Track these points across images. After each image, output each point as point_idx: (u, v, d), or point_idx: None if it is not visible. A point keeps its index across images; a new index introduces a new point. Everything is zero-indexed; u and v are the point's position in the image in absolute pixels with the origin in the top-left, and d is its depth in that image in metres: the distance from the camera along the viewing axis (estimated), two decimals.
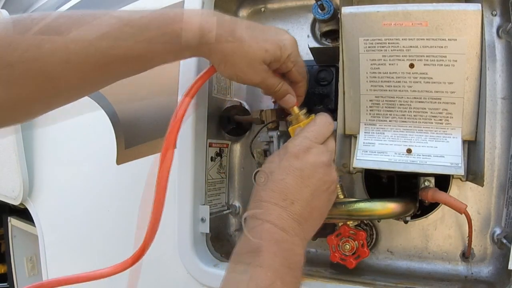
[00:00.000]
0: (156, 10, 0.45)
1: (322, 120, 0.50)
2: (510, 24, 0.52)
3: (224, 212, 0.68)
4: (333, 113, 0.54)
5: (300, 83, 0.53)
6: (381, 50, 0.48)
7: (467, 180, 0.52)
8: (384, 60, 0.49)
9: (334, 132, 0.52)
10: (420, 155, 0.50)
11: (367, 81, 0.51)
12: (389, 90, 0.50)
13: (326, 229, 0.57)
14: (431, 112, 0.50)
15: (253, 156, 0.61)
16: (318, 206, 0.46)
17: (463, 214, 0.51)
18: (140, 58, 0.45)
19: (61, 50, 0.39)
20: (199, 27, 0.45)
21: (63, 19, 0.40)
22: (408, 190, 0.56)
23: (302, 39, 0.66)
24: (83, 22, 0.41)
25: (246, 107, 0.68)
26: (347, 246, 0.55)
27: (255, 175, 0.60)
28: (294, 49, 0.50)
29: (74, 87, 0.44)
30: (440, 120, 0.50)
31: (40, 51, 0.39)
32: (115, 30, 0.42)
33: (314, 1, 0.54)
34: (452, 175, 0.54)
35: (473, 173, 0.50)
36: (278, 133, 0.58)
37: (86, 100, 0.68)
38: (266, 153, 0.60)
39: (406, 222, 0.57)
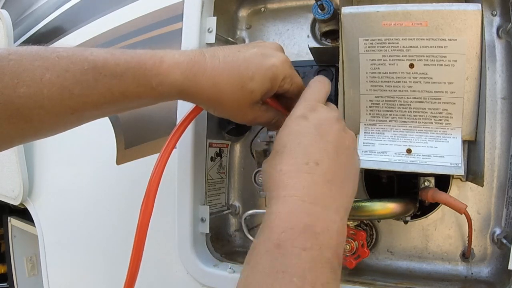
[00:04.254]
0: (135, 55, 0.43)
1: (317, 83, 0.47)
2: (510, 24, 0.52)
3: (224, 212, 0.68)
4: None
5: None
6: (381, 50, 0.48)
7: (467, 180, 0.52)
8: (384, 60, 0.49)
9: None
10: (420, 155, 0.50)
11: (367, 81, 0.51)
12: (389, 90, 0.50)
13: None
14: (431, 112, 0.50)
15: (253, 156, 0.61)
16: (345, 165, 0.41)
17: (463, 214, 0.51)
18: (115, 104, 0.43)
19: (36, 94, 0.38)
20: (176, 80, 0.43)
21: (38, 62, 0.39)
22: (408, 190, 0.56)
23: (302, 39, 0.66)
24: (57, 66, 0.39)
25: None
26: (347, 246, 0.54)
27: (255, 175, 0.60)
28: (286, 70, 0.46)
29: (51, 127, 0.43)
30: (440, 120, 0.50)
31: (16, 94, 0.38)
32: (88, 77, 0.40)
33: (314, 1, 0.54)
34: (452, 175, 0.54)
35: (473, 173, 0.50)
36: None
37: None
38: (266, 153, 0.60)
39: (406, 222, 0.57)
